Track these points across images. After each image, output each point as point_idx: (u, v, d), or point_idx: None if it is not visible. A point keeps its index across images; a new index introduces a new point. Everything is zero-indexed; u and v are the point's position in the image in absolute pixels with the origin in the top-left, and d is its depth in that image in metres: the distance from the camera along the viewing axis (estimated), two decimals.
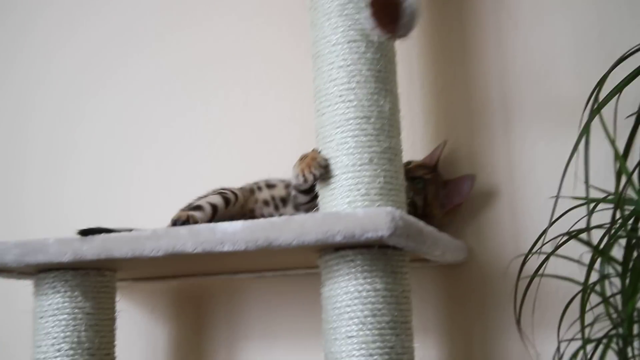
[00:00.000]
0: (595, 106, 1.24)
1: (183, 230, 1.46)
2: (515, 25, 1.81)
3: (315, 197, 1.53)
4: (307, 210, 1.59)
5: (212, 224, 1.44)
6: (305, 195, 1.58)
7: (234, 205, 1.66)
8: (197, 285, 1.95)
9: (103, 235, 1.49)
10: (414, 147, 1.84)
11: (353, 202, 1.46)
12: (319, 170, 1.47)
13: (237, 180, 1.79)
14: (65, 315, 1.57)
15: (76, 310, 1.58)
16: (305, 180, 1.48)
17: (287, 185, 1.69)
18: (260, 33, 2.01)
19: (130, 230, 1.52)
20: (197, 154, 2.02)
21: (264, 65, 1.99)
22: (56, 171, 2.15)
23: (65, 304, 1.57)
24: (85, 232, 1.50)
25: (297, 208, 1.64)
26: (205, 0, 2.09)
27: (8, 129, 2.24)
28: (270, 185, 1.73)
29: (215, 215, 1.62)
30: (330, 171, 1.46)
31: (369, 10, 1.37)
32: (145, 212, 2.01)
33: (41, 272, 1.62)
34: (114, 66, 2.15)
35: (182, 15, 2.10)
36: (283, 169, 1.63)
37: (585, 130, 1.20)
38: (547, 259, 1.36)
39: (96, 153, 2.12)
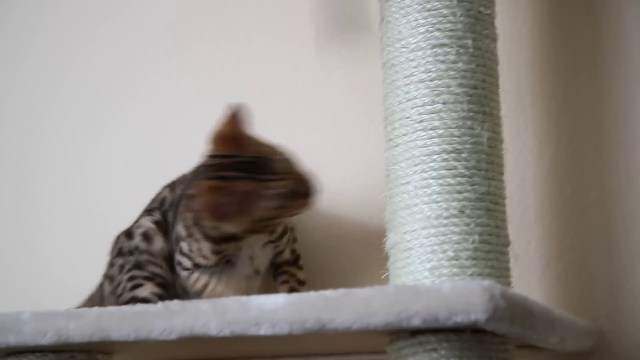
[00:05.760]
0: None
1: (205, 305, 1.28)
2: None
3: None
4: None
5: (244, 298, 1.27)
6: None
7: None
8: None
9: (96, 310, 1.35)
10: (523, 186, 1.64)
11: (436, 270, 1.34)
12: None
13: None
14: None
15: None
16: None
17: None
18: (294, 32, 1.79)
19: None
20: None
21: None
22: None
23: None
24: None
25: None
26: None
27: None
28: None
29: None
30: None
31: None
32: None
33: (11, 355, 1.44)
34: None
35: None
36: None
37: None
38: None
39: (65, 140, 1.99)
